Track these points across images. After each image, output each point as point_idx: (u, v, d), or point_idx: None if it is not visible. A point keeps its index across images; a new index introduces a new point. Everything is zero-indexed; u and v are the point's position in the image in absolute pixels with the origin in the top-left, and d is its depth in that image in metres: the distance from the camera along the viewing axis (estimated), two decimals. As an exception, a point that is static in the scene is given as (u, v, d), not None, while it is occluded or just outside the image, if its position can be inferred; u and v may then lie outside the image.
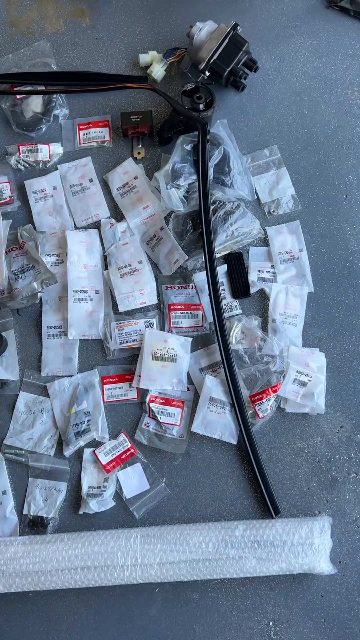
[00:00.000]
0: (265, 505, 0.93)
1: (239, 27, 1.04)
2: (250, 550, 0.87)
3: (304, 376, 0.96)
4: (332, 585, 0.90)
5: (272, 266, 1.03)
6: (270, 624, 0.89)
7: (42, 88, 1.13)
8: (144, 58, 1.13)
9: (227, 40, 1.04)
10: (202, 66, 1.05)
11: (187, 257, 1.01)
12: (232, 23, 1.04)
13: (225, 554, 0.87)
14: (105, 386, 0.99)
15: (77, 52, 1.16)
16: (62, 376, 0.99)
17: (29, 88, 1.12)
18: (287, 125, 1.11)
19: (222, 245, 1.02)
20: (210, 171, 1.01)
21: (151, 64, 1.13)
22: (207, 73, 1.06)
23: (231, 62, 1.05)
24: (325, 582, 0.90)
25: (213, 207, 1.01)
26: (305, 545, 0.87)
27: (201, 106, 1.05)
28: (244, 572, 0.87)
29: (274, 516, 0.92)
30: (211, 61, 1.04)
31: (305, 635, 0.88)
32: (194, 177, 1.01)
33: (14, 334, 1.01)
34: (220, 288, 1.00)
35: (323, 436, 0.96)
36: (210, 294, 0.98)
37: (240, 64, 1.06)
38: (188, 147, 1.02)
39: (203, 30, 1.06)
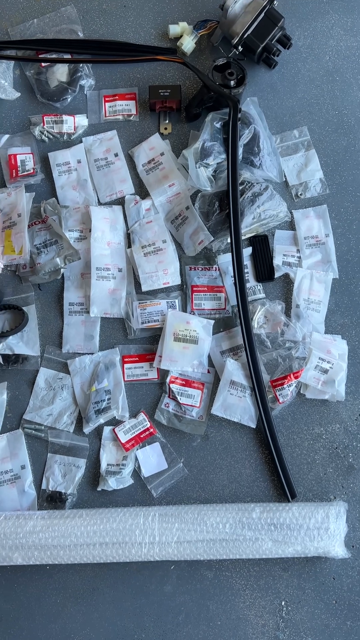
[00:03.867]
0: (282, 488, 0.94)
1: (275, 2, 1.01)
2: (266, 532, 0.88)
3: (325, 363, 0.96)
4: (344, 569, 0.92)
5: (298, 250, 1.02)
6: (283, 603, 0.91)
7: (68, 56, 1.09)
8: (174, 29, 1.09)
9: (262, 14, 1.00)
10: (235, 41, 1.02)
11: (212, 238, 1.00)
12: (269, -4, 1.00)
13: (242, 535, 0.88)
14: (126, 365, 0.99)
15: (104, 19, 1.12)
16: (83, 353, 0.99)
17: (54, 56, 1.09)
18: (318, 106, 1.09)
19: (248, 227, 1.00)
20: (240, 151, 0.99)
21: (181, 36, 1.09)
22: (240, 48, 1.03)
23: (265, 37, 1.01)
24: (337, 565, 0.92)
25: (241, 187, 0.99)
26: (321, 530, 0.88)
27: (232, 83, 1.02)
28: (259, 553, 0.88)
29: (290, 500, 0.93)
30: (245, 36, 1.01)
31: (316, 616, 0.91)
32: (223, 156, 0.99)
33: (35, 309, 1.00)
34: (245, 271, 0.99)
35: (342, 423, 0.96)
36: (234, 277, 0.97)
37: (275, 40, 1.03)
38: (218, 125, 1.00)
39: (238, 3, 1.02)
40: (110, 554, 0.88)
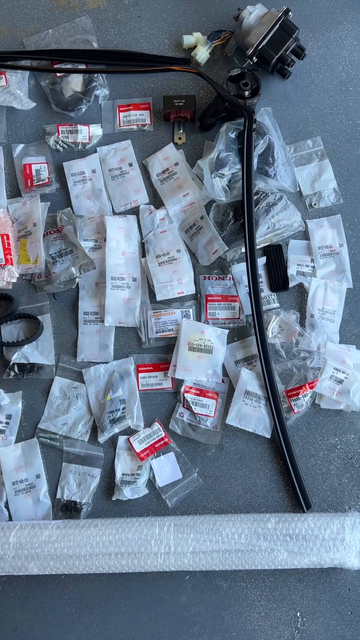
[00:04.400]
0: (297, 499, 0.93)
1: (290, 13, 1.01)
2: (282, 543, 0.88)
3: (340, 373, 0.96)
4: (359, 580, 0.92)
5: (312, 260, 1.02)
6: (298, 614, 0.91)
7: (83, 66, 1.10)
8: (188, 39, 1.10)
9: (277, 25, 1.01)
10: (250, 52, 1.03)
11: (226, 248, 1.00)
12: (284, 8, 1.01)
13: (257, 546, 0.88)
14: (140, 374, 0.99)
15: (118, 30, 1.13)
16: (97, 362, 0.99)
17: (69, 66, 1.10)
18: (332, 116, 1.09)
19: (263, 237, 1.01)
20: (254, 161, 0.99)
21: (195, 46, 1.10)
22: (255, 59, 1.03)
23: (280, 48, 1.02)
24: (353, 576, 0.92)
25: (255, 197, 0.99)
26: (336, 540, 0.88)
27: (247, 93, 1.03)
28: (275, 564, 0.88)
29: (305, 510, 0.93)
30: (260, 47, 1.02)
31: (331, 627, 0.90)
32: (238, 166, 0.99)
33: (50, 318, 1.01)
34: (259, 280, 1.00)
35: (356, 433, 0.96)
36: (249, 286, 0.97)
37: (289, 51, 1.03)
38: (232, 135, 1.00)
39: (253, 14, 1.03)
40: (126, 564, 0.88)
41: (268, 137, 1.00)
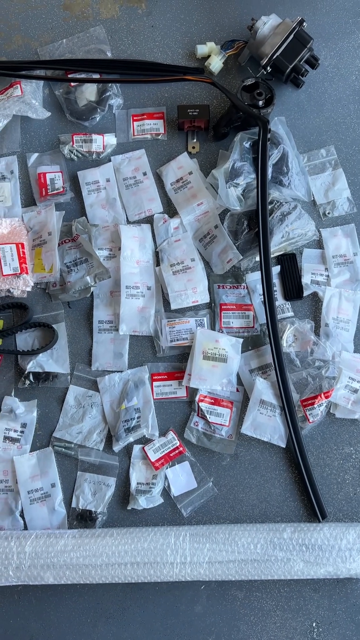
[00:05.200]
0: (312, 508, 0.93)
1: (304, 23, 1.01)
2: (298, 553, 0.88)
3: (355, 382, 0.96)
4: (375, 590, 0.92)
5: (326, 269, 1.03)
6: (314, 625, 0.91)
7: (97, 76, 1.10)
8: (201, 49, 1.10)
9: (291, 36, 1.01)
10: (264, 61, 1.03)
11: (241, 257, 1.00)
12: (298, 19, 1.01)
13: (273, 556, 0.88)
14: (155, 383, 0.99)
15: (132, 39, 1.14)
16: (112, 371, 0.99)
17: (83, 75, 1.10)
18: (345, 125, 1.09)
19: (277, 246, 1.01)
20: (269, 170, 1.00)
21: (209, 56, 1.10)
22: (269, 69, 1.04)
23: (294, 58, 1.02)
24: (368, 586, 0.92)
25: (270, 207, 0.99)
26: (353, 551, 0.88)
27: (261, 103, 1.03)
28: (291, 574, 0.88)
29: (321, 520, 0.93)
30: (274, 57, 1.02)
31: (347, 637, 0.90)
32: (253, 176, 0.99)
33: (65, 327, 1.01)
34: (273, 289, 1.00)
35: (371, 443, 0.96)
36: (264, 295, 0.97)
37: (303, 60, 1.04)
38: (247, 145, 1.00)
39: (267, 24, 1.03)
40: (142, 574, 0.88)
41: (282, 146, 1.01)
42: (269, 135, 0.99)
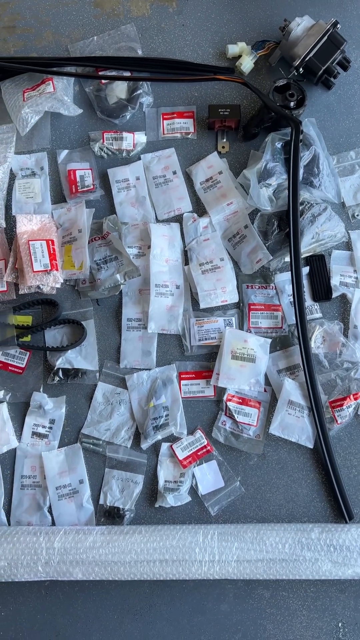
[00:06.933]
0: (339, 509, 0.94)
1: (338, 25, 1.02)
2: (326, 553, 0.88)
3: (383, 384, 0.96)
4: None
5: (355, 271, 1.03)
6: (340, 625, 0.91)
7: (128, 74, 1.11)
8: (232, 49, 1.10)
9: (325, 37, 1.01)
10: (297, 62, 1.03)
11: (271, 257, 1.01)
12: (332, 20, 1.01)
13: (301, 556, 0.88)
14: (182, 382, 0.99)
15: (162, 38, 1.14)
16: (140, 369, 1.00)
17: (114, 73, 1.10)
18: (375, 127, 1.10)
19: (307, 247, 1.01)
20: (300, 172, 1.00)
21: (239, 56, 1.10)
22: (301, 70, 1.04)
23: (327, 60, 1.03)
24: (394, 587, 0.92)
25: (300, 208, 1.00)
26: (380, 552, 0.88)
27: (292, 104, 1.03)
28: (319, 574, 0.88)
29: (348, 521, 0.93)
30: (307, 58, 1.02)
31: (373, 638, 0.91)
32: (285, 176, 0.99)
33: (94, 324, 1.01)
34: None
35: None
36: (294, 296, 0.97)
37: (335, 62, 1.04)
38: (279, 146, 1.01)
39: (300, 25, 1.03)
40: (171, 572, 0.88)
41: (314, 147, 1.01)
42: (301, 137, 0.99)
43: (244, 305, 1.02)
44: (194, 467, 0.96)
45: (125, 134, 1.07)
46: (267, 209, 1.00)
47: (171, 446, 0.96)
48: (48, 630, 0.91)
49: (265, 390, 0.99)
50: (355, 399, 0.95)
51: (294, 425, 0.96)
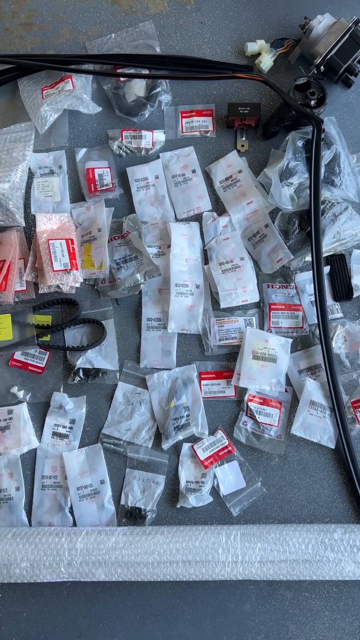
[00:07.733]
0: (361, 510, 0.94)
1: (360, 23, 1.01)
2: (349, 554, 0.88)
3: None
4: None
5: (375, 271, 1.02)
6: (362, 626, 0.91)
7: (146, 71, 1.10)
8: (251, 47, 1.10)
9: (347, 35, 1.01)
10: (317, 61, 1.02)
11: (292, 257, 1.00)
12: (354, 18, 1.01)
13: (324, 557, 0.88)
14: (203, 382, 0.99)
15: (180, 35, 1.13)
16: (160, 369, 0.99)
17: (132, 71, 1.10)
18: (394, 126, 1.09)
19: (328, 246, 1.00)
20: (322, 170, 0.99)
21: (258, 54, 1.10)
22: (322, 68, 1.03)
23: (349, 58, 1.02)
24: None
25: (321, 207, 0.99)
26: None
27: (313, 102, 1.03)
28: (342, 575, 0.88)
29: (370, 522, 0.93)
30: (328, 56, 1.02)
31: None
32: (306, 175, 0.99)
33: (113, 323, 1.01)
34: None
35: None
36: (315, 296, 0.97)
37: (357, 60, 1.03)
38: (300, 144, 1.00)
39: (321, 23, 1.03)
40: (194, 572, 0.88)
41: (335, 146, 1.00)
42: (322, 136, 0.98)
43: (265, 304, 1.01)
44: (216, 467, 0.95)
45: (144, 132, 1.06)
46: (289, 208, 0.99)
47: (192, 446, 0.96)
48: (70, 631, 0.91)
49: (286, 391, 0.98)
50: (378, 399, 0.94)
51: (316, 426, 0.95)
